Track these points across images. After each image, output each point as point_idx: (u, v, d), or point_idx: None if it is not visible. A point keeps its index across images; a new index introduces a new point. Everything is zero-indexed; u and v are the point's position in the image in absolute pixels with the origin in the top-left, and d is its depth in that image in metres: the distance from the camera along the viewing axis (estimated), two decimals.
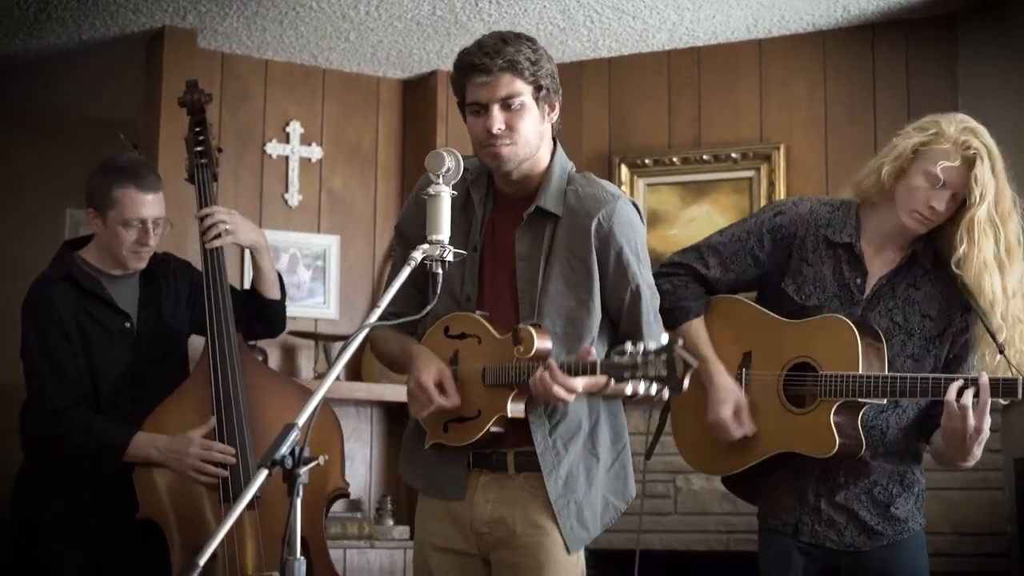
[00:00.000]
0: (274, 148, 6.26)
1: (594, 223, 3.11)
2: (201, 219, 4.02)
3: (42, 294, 3.88)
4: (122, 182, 3.88)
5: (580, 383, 2.94)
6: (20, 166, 7.20)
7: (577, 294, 3.11)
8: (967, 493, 5.23)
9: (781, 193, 5.86)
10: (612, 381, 2.97)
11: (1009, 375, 3.09)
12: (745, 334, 3.37)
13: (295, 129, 6.31)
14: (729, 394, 3.32)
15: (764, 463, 3.32)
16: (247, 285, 4.41)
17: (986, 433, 3.05)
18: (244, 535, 3.70)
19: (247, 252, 4.28)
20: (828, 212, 3.37)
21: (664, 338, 2.79)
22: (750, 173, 5.97)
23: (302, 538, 3.77)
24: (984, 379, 3.03)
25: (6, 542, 3.94)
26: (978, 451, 3.10)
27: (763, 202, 5.87)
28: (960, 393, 3.03)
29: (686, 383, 2.75)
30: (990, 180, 3.16)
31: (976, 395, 3.03)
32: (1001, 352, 3.15)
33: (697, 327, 3.39)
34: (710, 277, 3.41)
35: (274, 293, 4.15)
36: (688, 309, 3.40)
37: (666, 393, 2.81)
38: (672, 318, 3.39)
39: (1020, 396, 3.01)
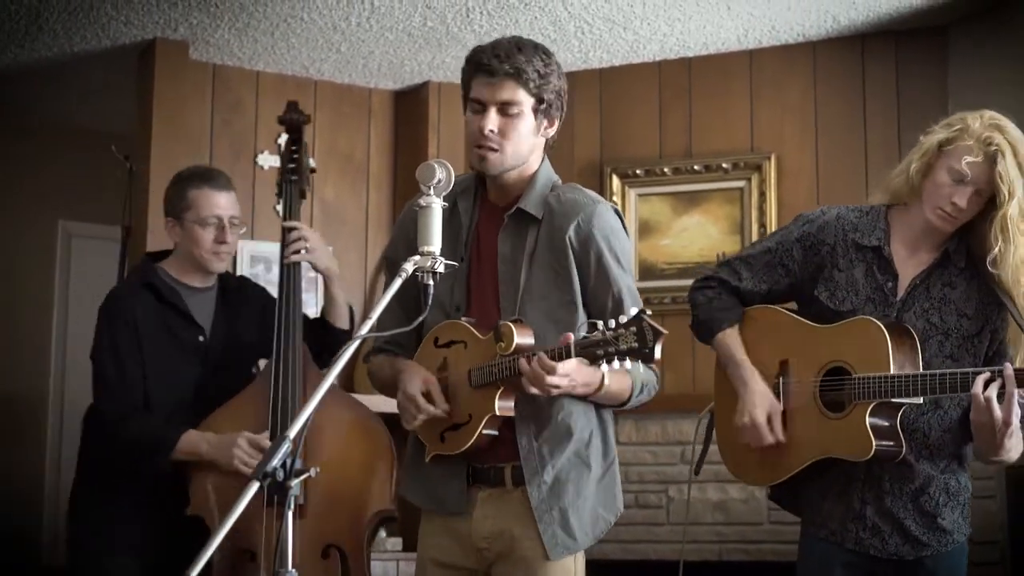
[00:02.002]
0: (266, 159, 6.27)
1: (572, 226, 3.12)
2: (286, 231, 4.09)
3: (121, 299, 3.95)
4: (195, 183, 3.99)
5: (571, 366, 2.93)
6: (12, 178, 7.21)
7: (559, 295, 3.13)
8: None
9: (772, 202, 5.87)
10: (605, 377, 2.99)
11: None
12: (781, 342, 3.35)
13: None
14: (764, 398, 3.30)
15: (808, 471, 3.30)
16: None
17: (1015, 426, 3.01)
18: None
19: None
20: (856, 217, 3.35)
21: (632, 310, 2.80)
22: (741, 183, 5.98)
23: (339, 549, 3.78)
24: (1008, 370, 2.99)
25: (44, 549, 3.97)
26: (1010, 444, 3.05)
27: (754, 212, 5.89)
28: (986, 386, 3.02)
29: (658, 352, 2.75)
30: (1016, 176, 3.12)
31: (1003, 387, 3.01)
32: None
33: (731, 335, 3.39)
34: (743, 288, 3.41)
35: (343, 323, 4.18)
36: (722, 319, 3.40)
37: (641, 367, 2.81)
38: (706, 329, 3.41)
39: None
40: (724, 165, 6.00)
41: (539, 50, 3.12)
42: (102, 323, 3.93)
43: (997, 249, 3.14)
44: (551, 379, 2.92)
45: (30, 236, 7.15)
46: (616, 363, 2.80)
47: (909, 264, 3.29)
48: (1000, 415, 2.99)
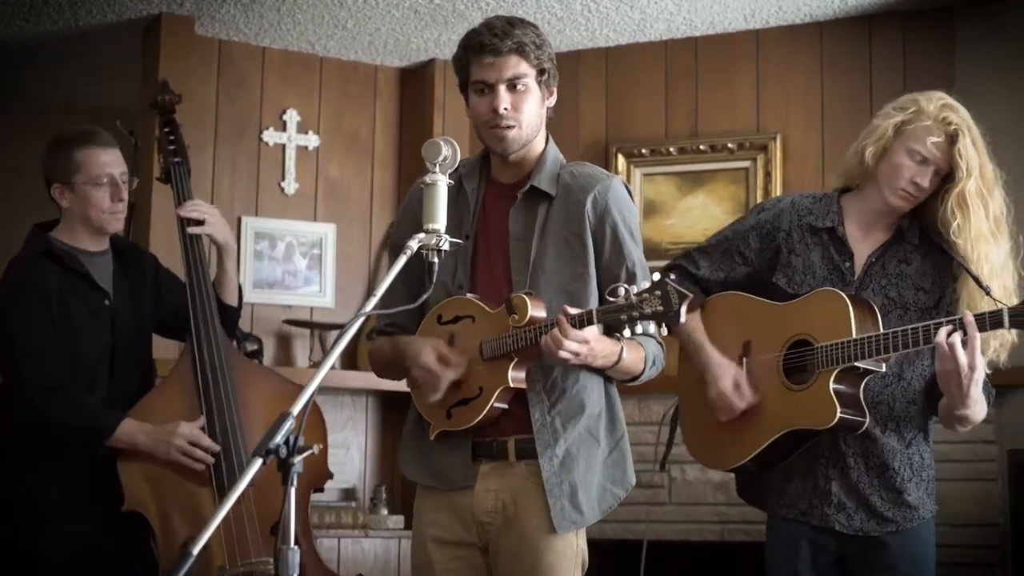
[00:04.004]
0: (271, 136, 6.26)
1: (590, 198, 3.15)
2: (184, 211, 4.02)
3: (25, 271, 3.84)
4: (79, 145, 3.88)
5: (591, 333, 2.93)
6: (16, 151, 7.19)
7: (573, 268, 3.14)
8: (960, 484, 5.24)
9: (777, 183, 5.87)
10: (623, 348, 3.01)
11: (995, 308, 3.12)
12: (743, 324, 3.40)
13: (292, 117, 6.31)
14: (726, 368, 3.36)
15: (775, 455, 3.32)
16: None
17: (981, 372, 3.06)
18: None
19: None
20: (810, 202, 3.45)
21: (655, 276, 2.83)
22: (747, 163, 5.98)
23: None
24: (969, 317, 3.05)
25: None
26: (976, 393, 3.09)
27: (759, 193, 5.88)
28: (949, 336, 3.05)
29: (683, 314, 2.77)
30: (974, 154, 3.23)
31: (964, 334, 3.05)
32: (987, 294, 3.18)
33: (691, 320, 3.43)
34: (700, 276, 3.47)
35: (232, 299, 4.11)
36: None
37: (664, 330, 2.84)
38: None
39: (1008, 327, 3.03)
40: (730, 145, 5.99)
41: (526, 23, 3.15)
42: (9, 299, 3.81)
43: (957, 223, 3.23)
44: (570, 344, 2.91)
45: (34, 211, 7.14)
46: (639, 327, 2.82)
47: (864, 243, 3.38)
48: (965, 360, 3.04)
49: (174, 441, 3.71)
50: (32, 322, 3.77)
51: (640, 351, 3.12)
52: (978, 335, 3.03)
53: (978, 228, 3.22)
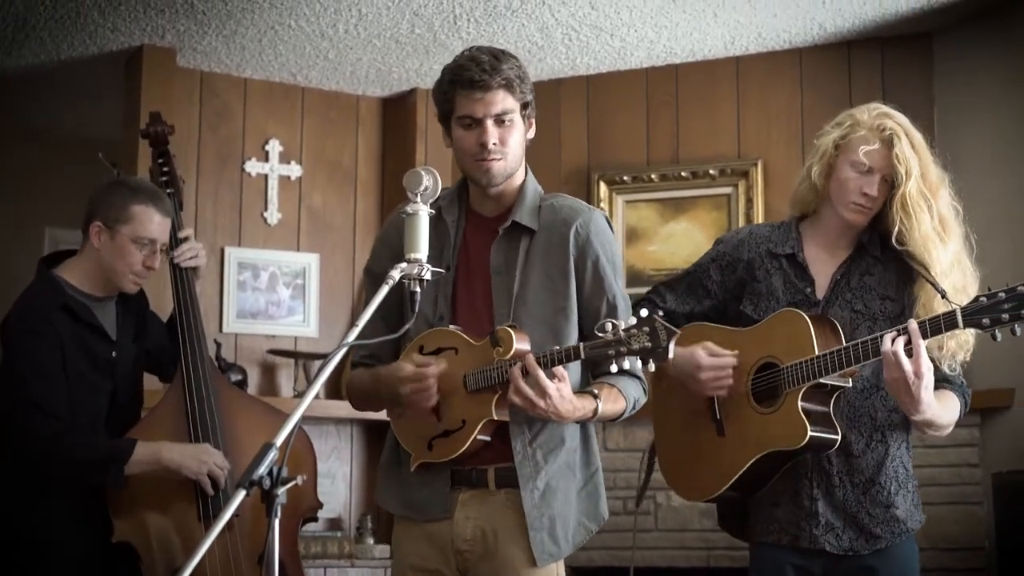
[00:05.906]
0: (253, 166, 6.27)
1: (572, 231, 3.15)
2: (180, 240, 4.04)
3: (44, 324, 3.77)
4: (141, 199, 3.84)
5: (563, 391, 2.93)
6: None
7: (555, 302, 3.14)
8: (946, 508, 5.25)
9: (759, 209, 5.89)
10: (599, 407, 3.01)
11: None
12: None
13: (274, 147, 6.31)
14: (693, 350, 3.32)
15: (754, 481, 3.32)
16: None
17: (928, 378, 3.06)
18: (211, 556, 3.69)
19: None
20: (768, 231, 3.49)
21: (643, 312, 2.83)
22: (728, 189, 6.00)
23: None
24: (912, 324, 3.06)
25: None
26: (927, 397, 3.09)
27: (742, 218, 5.90)
28: (892, 342, 3.07)
29: (671, 350, 2.77)
30: (912, 155, 3.26)
31: (908, 342, 3.06)
32: (944, 296, 3.20)
33: None
34: (666, 310, 3.49)
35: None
36: None
37: (652, 366, 2.83)
38: None
39: (962, 327, 3.03)
40: (711, 171, 6.01)
41: (508, 55, 3.15)
42: (23, 343, 3.75)
43: (899, 226, 3.26)
44: (525, 389, 2.90)
45: (17, 243, 7.13)
46: (627, 363, 2.82)
47: (828, 264, 3.41)
48: (910, 368, 3.05)
49: (213, 459, 3.71)
50: (42, 368, 3.73)
51: (620, 402, 3.11)
52: (922, 342, 3.04)
53: (924, 231, 3.24)
